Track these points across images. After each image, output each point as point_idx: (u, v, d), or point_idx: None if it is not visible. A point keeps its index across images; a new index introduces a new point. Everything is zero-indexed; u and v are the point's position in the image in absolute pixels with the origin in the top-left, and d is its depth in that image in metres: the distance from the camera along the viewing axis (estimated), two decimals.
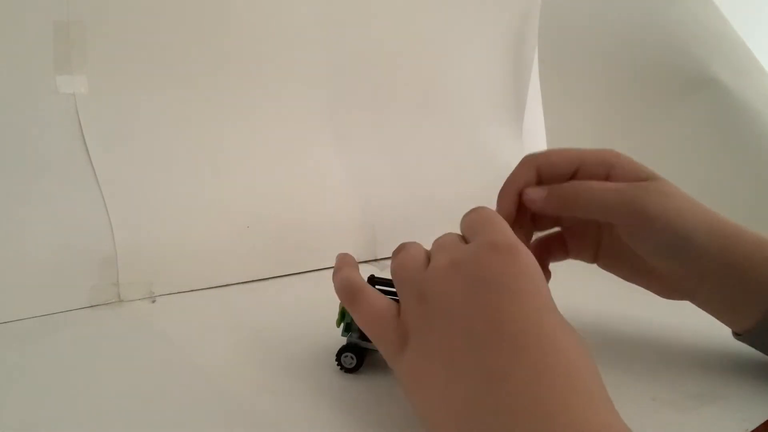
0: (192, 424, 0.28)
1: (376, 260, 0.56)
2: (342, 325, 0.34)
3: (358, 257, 0.55)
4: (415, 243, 0.31)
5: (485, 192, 0.66)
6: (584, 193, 0.34)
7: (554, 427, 0.20)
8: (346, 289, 0.30)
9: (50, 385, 0.31)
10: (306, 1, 0.53)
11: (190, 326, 0.39)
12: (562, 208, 0.35)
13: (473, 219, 0.29)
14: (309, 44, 0.54)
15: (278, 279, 0.50)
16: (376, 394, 0.31)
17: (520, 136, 0.74)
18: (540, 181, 0.36)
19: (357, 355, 0.33)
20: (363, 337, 0.33)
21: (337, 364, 0.33)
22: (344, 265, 0.32)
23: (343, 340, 0.33)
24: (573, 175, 0.35)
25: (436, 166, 0.63)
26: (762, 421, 0.30)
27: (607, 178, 0.35)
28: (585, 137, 0.67)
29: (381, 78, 0.59)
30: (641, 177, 0.34)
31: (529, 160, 0.36)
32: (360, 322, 0.29)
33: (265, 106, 0.52)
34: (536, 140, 0.74)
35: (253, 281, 0.49)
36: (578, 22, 0.66)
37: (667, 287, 0.36)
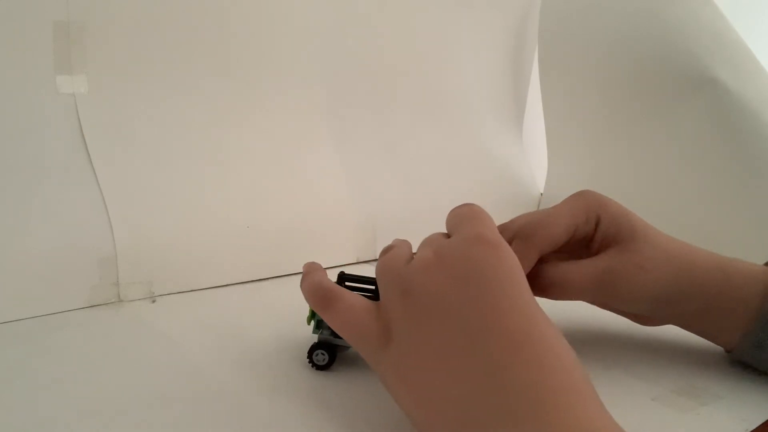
0: (192, 424, 0.28)
1: (376, 260, 0.56)
2: (313, 322, 0.34)
3: (358, 257, 0.55)
4: (403, 241, 0.31)
5: (485, 192, 0.66)
6: (562, 283, 0.33)
7: (558, 426, 0.20)
8: (317, 293, 0.29)
9: (50, 385, 0.31)
10: (306, 2, 0.53)
11: (190, 326, 0.39)
12: (541, 295, 0.34)
13: (459, 213, 0.29)
14: (309, 44, 0.54)
15: (278, 279, 0.50)
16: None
17: (520, 136, 0.74)
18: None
19: (328, 352, 0.33)
20: (334, 333, 0.32)
21: (309, 362, 0.33)
22: (311, 270, 0.31)
23: (314, 338, 0.33)
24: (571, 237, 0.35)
25: (436, 166, 0.63)
26: (762, 421, 0.30)
27: (592, 237, 0.35)
28: (585, 137, 0.67)
29: (381, 78, 0.59)
30: (619, 236, 0.34)
31: (532, 240, 0.33)
32: (336, 326, 0.28)
33: (266, 106, 0.52)
34: (536, 140, 0.74)
35: (253, 281, 0.49)
36: (578, 22, 0.66)
37: (645, 323, 0.38)
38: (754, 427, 0.29)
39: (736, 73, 0.55)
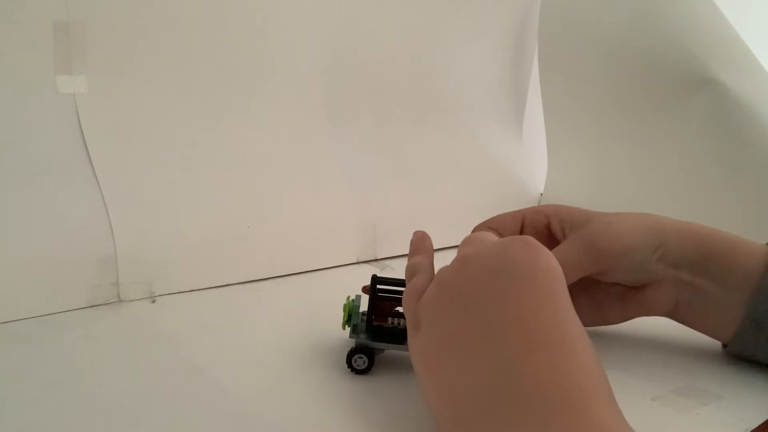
0: (192, 425, 0.28)
1: (376, 260, 0.56)
2: (349, 326, 0.34)
3: (358, 257, 0.55)
4: (482, 234, 0.31)
5: (485, 192, 0.66)
6: None
7: (567, 427, 0.20)
8: (408, 269, 0.31)
9: (50, 385, 0.31)
10: (306, 3, 0.53)
11: (190, 326, 0.39)
12: None
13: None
14: (309, 44, 0.53)
15: (278, 279, 0.50)
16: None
17: (520, 136, 0.74)
18: None
19: (368, 356, 0.33)
20: (371, 337, 0.33)
21: (348, 367, 0.33)
22: (416, 252, 0.32)
23: (352, 342, 0.33)
24: (521, 229, 0.38)
25: (436, 166, 0.63)
26: (761, 421, 0.30)
27: (547, 226, 0.38)
28: (585, 137, 0.67)
29: (381, 79, 0.59)
30: (578, 221, 0.37)
31: (482, 225, 0.39)
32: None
33: (266, 106, 0.52)
34: (536, 140, 0.74)
35: (253, 281, 0.49)
36: (578, 21, 0.66)
37: (647, 307, 0.38)
38: (754, 427, 0.30)
39: (736, 73, 0.55)
